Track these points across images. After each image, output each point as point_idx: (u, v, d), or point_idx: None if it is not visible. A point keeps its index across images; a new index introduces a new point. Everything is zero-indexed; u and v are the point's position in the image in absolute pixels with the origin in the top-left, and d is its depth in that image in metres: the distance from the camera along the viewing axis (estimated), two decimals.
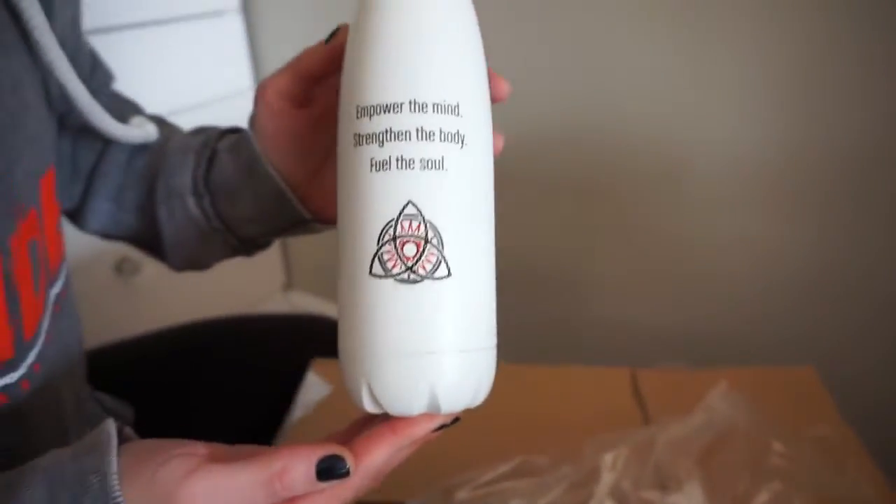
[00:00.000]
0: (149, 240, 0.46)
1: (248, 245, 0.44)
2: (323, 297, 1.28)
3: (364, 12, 0.28)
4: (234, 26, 1.03)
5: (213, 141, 0.42)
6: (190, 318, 0.65)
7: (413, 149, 0.26)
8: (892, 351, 0.75)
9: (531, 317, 0.95)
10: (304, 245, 1.26)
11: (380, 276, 0.26)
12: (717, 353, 0.85)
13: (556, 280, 0.96)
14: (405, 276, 0.26)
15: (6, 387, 0.32)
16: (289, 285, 1.31)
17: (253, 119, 0.38)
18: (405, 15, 0.27)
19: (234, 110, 1.00)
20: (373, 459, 0.26)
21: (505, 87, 0.31)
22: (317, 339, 0.62)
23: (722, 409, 0.51)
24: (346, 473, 0.25)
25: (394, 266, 0.25)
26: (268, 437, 0.54)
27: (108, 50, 0.84)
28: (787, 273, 0.79)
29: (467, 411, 0.28)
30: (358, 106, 0.27)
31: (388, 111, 0.26)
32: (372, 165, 0.26)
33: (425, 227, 0.26)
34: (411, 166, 0.26)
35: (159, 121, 0.48)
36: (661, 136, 0.80)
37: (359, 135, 0.26)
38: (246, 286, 1.21)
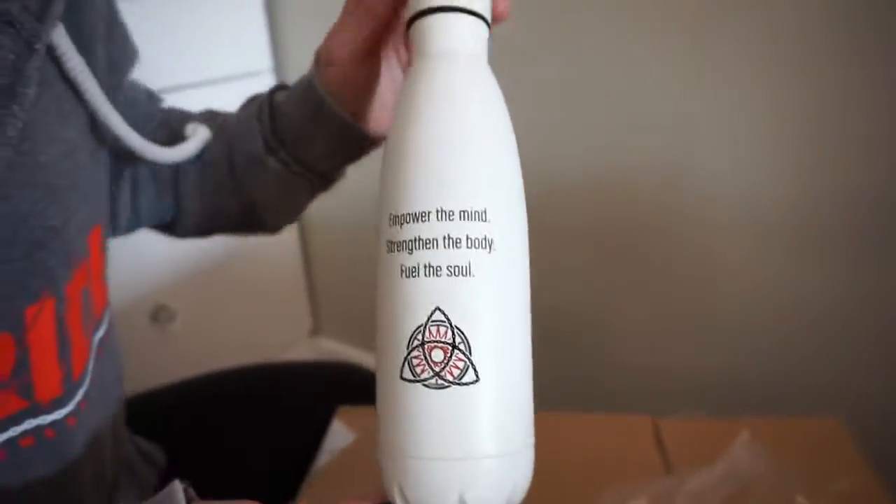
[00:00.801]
0: (243, 215, 0.50)
1: (326, 180, 0.48)
2: (349, 343, 1.29)
3: (399, 122, 0.29)
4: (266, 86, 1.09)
5: (267, 103, 0.46)
6: (222, 363, 0.68)
7: (440, 256, 0.27)
8: None
9: (551, 363, 0.95)
10: (330, 291, 1.29)
11: (409, 381, 0.26)
12: (740, 401, 0.84)
13: (577, 327, 0.96)
14: (433, 381, 0.26)
15: (54, 423, 0.35)
16: (315, 331, 1.34)
17: (317, 76, 0.41)
18: (437, 124, 0.28)
19: (253, 89, 1.03)
20: None
21: (504, 5, 0.32)
22: (343, 386, 0.64)
23: (744, 459, 0.50)
24: None
25: (422, 371, 0.26)
26: (296, 482, 0.55)
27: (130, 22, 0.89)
28: (811, 320, 0.78)
29: None
30: (391, 214, 0.28)
31: (417, 220, 0.27)
32: (402, 272, 0.27)
33: (452, 332, 0.26)
34: (438, 273, 0.26)
35: (209, 115, 0.52)
36: (683, 184, 0.81)
37: (391, 242, 0.27)
38: (274, 332, 1.24)
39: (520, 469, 0.28)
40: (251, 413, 0.60)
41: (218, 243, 1.06)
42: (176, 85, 0.94)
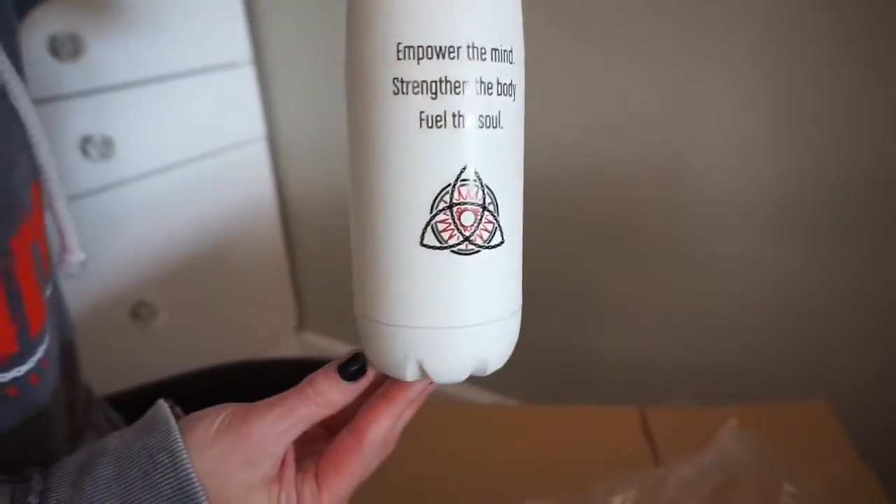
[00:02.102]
0: None
1: None
2: (335, 338, 1.29)
3: None
4: (246, 77, 1.08)
5: None
6: (206, 360, 0.67)
7: (471, 103, 0.23)
8: None
9: (539, 354, 0.95)
10: (315, 285, 1.28)
11: (434, 248, 0.24)
12: (729, 389, 0.84)
13: (563, 315, 0.96)
14: (463, 246, 0.24)
15: (15, 379, 0.34)
16: (301, 326, 1.33)
17: None
18: None
19: (233, 80, 1.03)
20: (377, 430, 0.29)
21: None
22: None
23: (731, 448, 0.51)
24: (363, 367, 0.28)
25: (450, 237, 0.23)
26: None
27: (129, 103, 0.88)
28: (797, 305, 0.79)
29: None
30: (400, 44, 0.22)
31: (443, 55, 0.22)
32: (422, 120, 0.23)
33: (483, 193, 0.24)
34: (466, 124, 0.23)
35: None
36: (675, 176, 0.81)
37: (402, 80, 0.22)
38: (259, 327, 1.23)
39: (518, 326, 0.28)
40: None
41: (200, 238, 1.06)
42: (156, 76, 0.93)
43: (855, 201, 0.71)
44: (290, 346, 1.30)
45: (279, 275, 1.25)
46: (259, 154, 1.13)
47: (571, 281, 0.94)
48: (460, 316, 0.25)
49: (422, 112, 0.22)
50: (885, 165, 0.69)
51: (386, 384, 0.30)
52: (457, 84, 0.22)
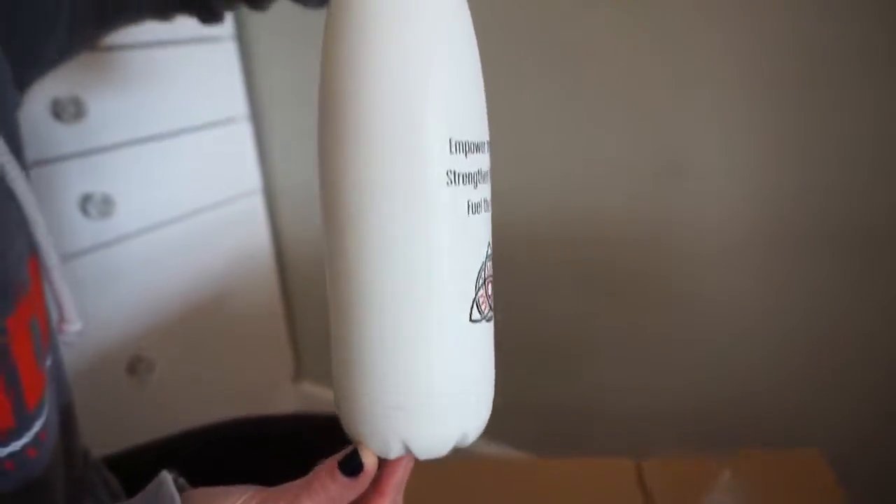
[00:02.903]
0: None
1: None
2: (331, 387, 1.28)
3: (433, 39, 0.25)
4: (243, 131, 1.10)
5: None
6: (205, 412, 0.67)
7: (486, 189, 0.26)
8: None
9: (533, 405, 0.96)
10: (312, 335, 1.28)
11: (477, 321, 0.26)
12: (719, 432, 0.84)
13: (557, 366, 0.97)
14: (490, 314, 0.27)
15: (12, 454, 0.34)
16: (298, 376, 1.32)
17: None
18: (472, 61, 0.26)
19: (230, 135, 1.04)
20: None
21: None
22: (327, 436, 0.63)
23: (727, 502, 0.51)
24: (361, 465, 0.28)
25: (486, 308, 0.26)
26: None
27: (129, 161, 0.89)
28: (787, 350, 0.80)
29: None
30: (452, 139, 0.24)
31: (478, 150, 0.25)
32: (469, 208, 0.25)
33: (492, 264, 0.27)
34: (488, 208, 0.26)
35: None
36: (658, 220, 0.83)
37: (454, 172, 0.25)
38: (257, 378, 1.23)
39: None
40: (232, 467, 0.59)
41: (197, 290, 1.07)
42: (155, 134, 0.95)
43: (836, 236, 0.73)
44: (287, 396, 1.29)
45: (276, 325, 1.25)
46: (255, 206, 1.15)
47: (564, 329, 0.95)
48: (479, 380, 0.28)
49: (469, 200, 0.25)
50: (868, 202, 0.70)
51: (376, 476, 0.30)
52: (485, 174, 0.26)
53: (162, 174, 0.96)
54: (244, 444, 0.64)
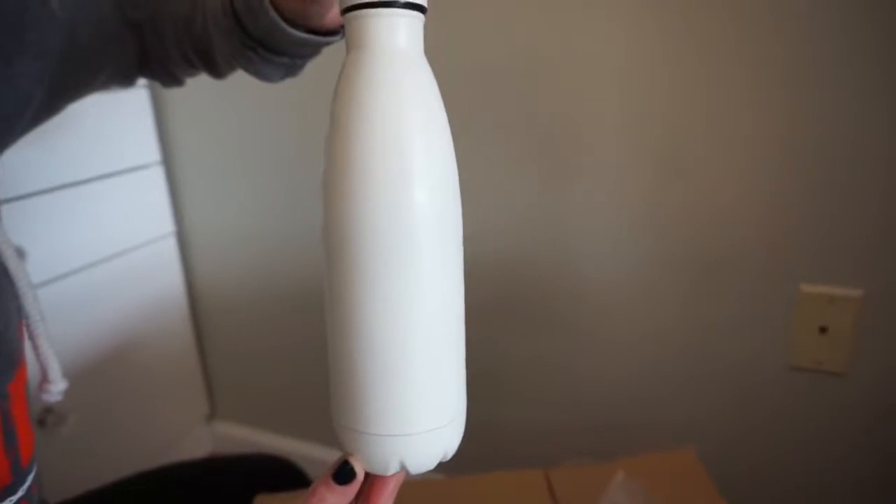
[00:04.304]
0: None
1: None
2: (246, 425, 1.29)
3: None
4: (156, 177, 1.11)
5: None
6: (120, 460, 0.66)
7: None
8: (760, 425, 0.89)
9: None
10: (226, 376, 1.29)
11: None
12: (618, 440, 0.96)
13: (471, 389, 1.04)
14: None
15: None
16: (212, 416, 1.32)
17: None
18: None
19: (142, 181, 1.06)
20: None
21: None
22: (261, 477, 0.67)
23: (621, 499, 0.60)
24: (353, 472, 0.32)
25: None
26: None
27: (41, 210, 0.89)
28: (667, 361, 0.92)
29: None
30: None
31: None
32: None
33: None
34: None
35: None
36: (561, 266, 0.93)
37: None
38: (171, 420, 1.22)
39: None
40: None
41: (109, 336, 1.05)
42: (68, 182, 0.95)
43: (699, 278, 0.87)
44: (202, 436, 1.29)
45: (190, 367, 1.25)
46: (169, 250, 1.15)
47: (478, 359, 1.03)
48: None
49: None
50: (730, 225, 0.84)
51: (366, 488, 0.35)
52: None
53: (74, 222, 0.96)
54: (179, 488, 0.66)
